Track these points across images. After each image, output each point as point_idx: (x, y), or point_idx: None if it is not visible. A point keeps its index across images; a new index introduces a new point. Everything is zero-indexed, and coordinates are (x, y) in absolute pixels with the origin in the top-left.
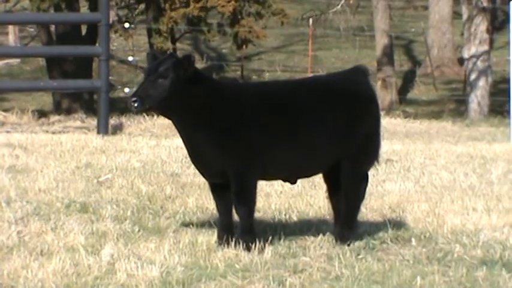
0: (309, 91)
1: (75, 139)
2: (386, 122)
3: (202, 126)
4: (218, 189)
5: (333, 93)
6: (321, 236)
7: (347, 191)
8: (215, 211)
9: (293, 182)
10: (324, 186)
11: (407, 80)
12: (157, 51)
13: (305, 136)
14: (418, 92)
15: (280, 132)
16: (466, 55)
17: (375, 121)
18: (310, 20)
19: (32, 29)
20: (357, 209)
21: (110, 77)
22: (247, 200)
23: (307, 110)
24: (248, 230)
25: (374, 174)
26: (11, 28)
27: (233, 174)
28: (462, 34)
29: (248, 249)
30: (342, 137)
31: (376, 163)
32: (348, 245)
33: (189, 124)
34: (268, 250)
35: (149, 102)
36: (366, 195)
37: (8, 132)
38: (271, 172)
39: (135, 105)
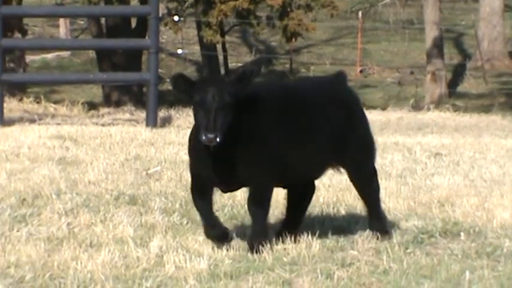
0: (311, 96)
1: (124, 131)
2: (436, 116)
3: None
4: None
5: (327, 97)
6: (368, 229)
7: (362, 190)
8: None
9: (285, 187)
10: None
11: (457, 73)
12: (184, 73)
13: (309, 142)
14: (468, 85)
15: (291, 138)
16: None
17: (363, 120)
18: (360, 13)
19: (82, 22)
20: (378, 200)
21: (159, 70)
22: (265, 205)
23: (313, 115)
24: (261, 233)
25: (423, 168)
26: (61, 21)
27: (253, 182)
28: None
29: (258, 251)
30: (337, 141)
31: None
32: (388, 235)
33: None
34: (316, 244)
35: (224, 133)
36: (415, 189)
37: (58, 124)
38: (280, 178)
39: (218, 140)
